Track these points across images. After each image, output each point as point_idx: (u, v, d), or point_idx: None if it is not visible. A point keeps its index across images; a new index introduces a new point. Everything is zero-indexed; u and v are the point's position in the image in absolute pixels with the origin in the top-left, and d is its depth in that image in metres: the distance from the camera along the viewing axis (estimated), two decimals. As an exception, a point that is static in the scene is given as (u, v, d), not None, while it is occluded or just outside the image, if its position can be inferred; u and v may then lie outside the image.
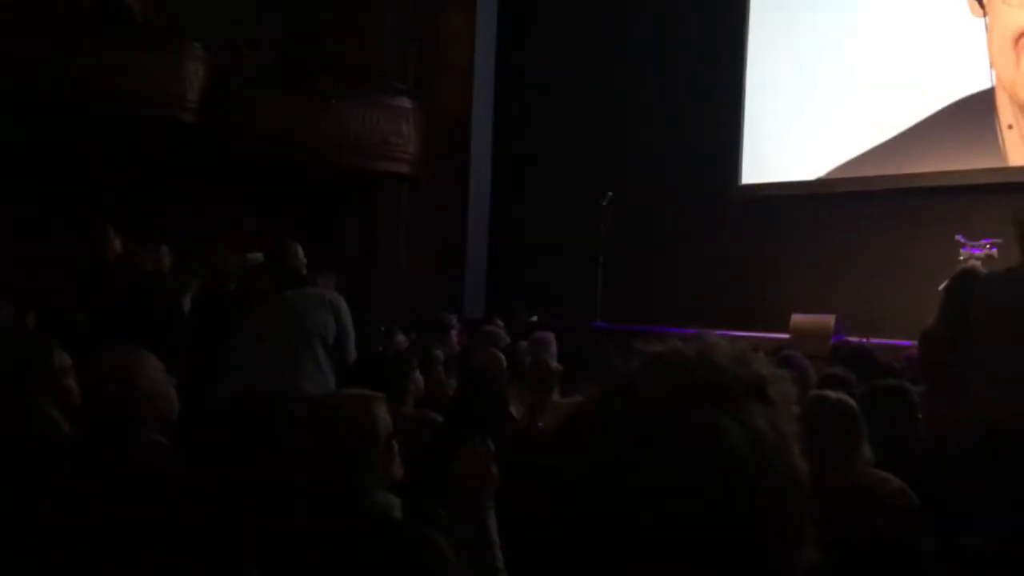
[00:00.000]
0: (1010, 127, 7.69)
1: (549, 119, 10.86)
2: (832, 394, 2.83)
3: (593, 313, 9.26)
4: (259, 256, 4.87)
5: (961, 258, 6.78)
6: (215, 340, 4.26)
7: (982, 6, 7.82)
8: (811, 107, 9.00)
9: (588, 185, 9.84)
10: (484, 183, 10.95)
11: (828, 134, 8.86)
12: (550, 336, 5.49)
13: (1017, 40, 7.48)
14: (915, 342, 4.06)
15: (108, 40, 8.16)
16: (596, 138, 10.55)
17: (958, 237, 6.96)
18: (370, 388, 2.38)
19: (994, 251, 6.54)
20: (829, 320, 7.45)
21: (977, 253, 6.73)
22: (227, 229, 8.54)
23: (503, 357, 4.74)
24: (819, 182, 8.89)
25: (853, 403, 2.76)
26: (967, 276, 3.36)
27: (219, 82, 8.98)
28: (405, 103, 10.31)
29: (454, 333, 6.48)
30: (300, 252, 4.27)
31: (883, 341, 6.88)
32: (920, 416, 3.19)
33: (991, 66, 7.78)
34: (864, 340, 6.23)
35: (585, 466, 0.79)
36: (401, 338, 5.91)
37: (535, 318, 8.79)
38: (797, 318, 7.68)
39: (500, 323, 6.86)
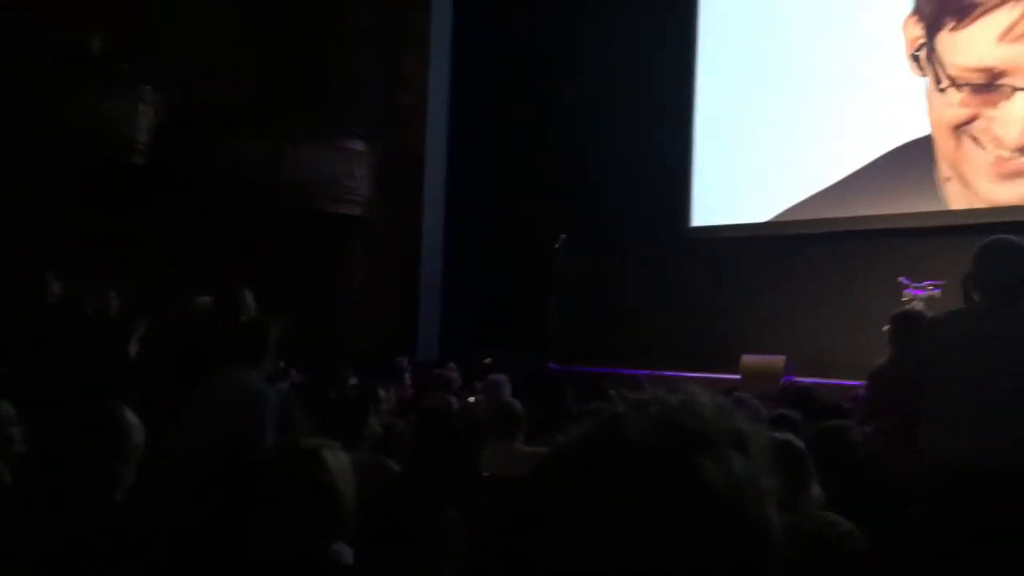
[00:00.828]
0: (948, 179, 7.94)
1: (503, 161, 10.95)
2: (780, 435, 2.86)
3: (547, 354, 9.28)
4: (207, 300, 4.79)
5: (904, 299, 6.94)
6: (166, 387, 4.18)
7: (921, 68, 8.09)
8: (760, 151, 9.19)
9: (541, 227, 9.91)
10: (437, 225, 10.98)
11: (777, 177, 9.05)
12: (504, 378, 5.49)
13: (954, 129, 7.77)
14: (863, 382, 4.13)
15: (60, 79, 8.08)
16: (549, 180, 10.66)
17: (901, 279, 7.13)
18: (324, 433, 2.36)
19: (936, 292, 6.70)
20: (778, 361, 7.56)
21: (920, 295, 6.89)
22: (178, 271, 8.43)
23: (455, 401, 4.72)
24: (768, 224, 9.07)
25: (800, 444, 2.79)
26: (911, 317, 3.45)
27: (170, 124, 8.92)
28: (359, 146, 10.33)
29: (407, 376, 6.45)
30: (250, 299, 4.21)
31: (832, 381, 6.99)
32: (867, 456, 3.24)
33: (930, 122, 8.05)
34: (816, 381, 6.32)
35: (572, 510, 0.80)
36: (354, 381, 5.86)
37: (489, 360, 8.78)
38: (747, 359, 7.78)
39: (453, 365, 6.84)
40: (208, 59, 9.53)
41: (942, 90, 7.87)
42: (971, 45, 7.71)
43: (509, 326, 9.97)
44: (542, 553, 0.80)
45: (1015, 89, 7.42)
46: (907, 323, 3.42)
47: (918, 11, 8.15)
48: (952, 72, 7.83)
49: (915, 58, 8.13)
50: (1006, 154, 7.48)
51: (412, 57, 10.86)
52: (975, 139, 7.68)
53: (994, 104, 7.55)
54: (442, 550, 2.83)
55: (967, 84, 7.71)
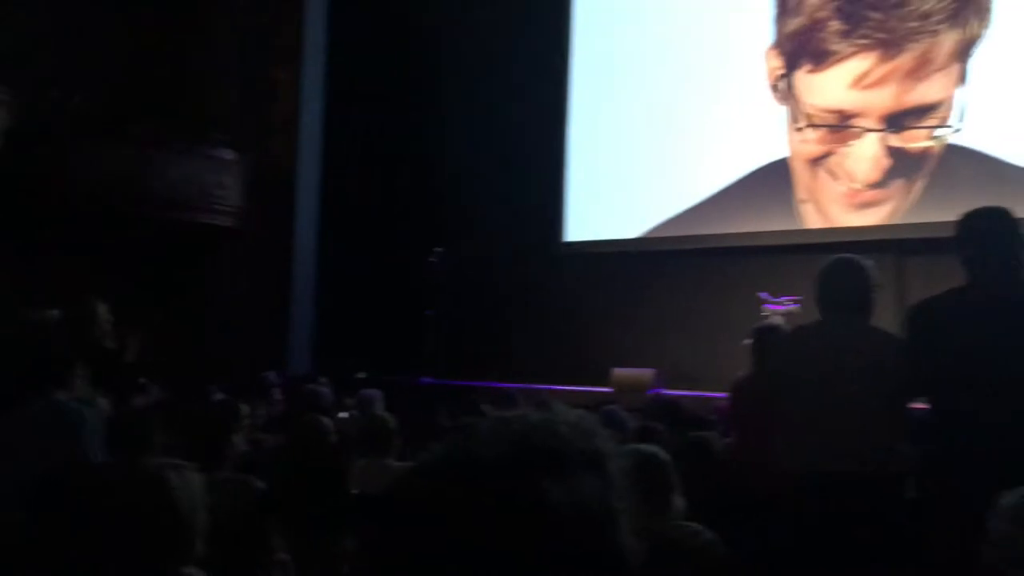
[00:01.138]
0: (803, 202, 8.35)
1: (378, 173, 10.86)
2: (644, 447, 2.93)
3: (422, 369, 9.24)
4: (56, 314, 4.50)
5: (764, 314, 7.23)
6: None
7: (781, 98, 8.48)
8: (632, 168, 9.42)
9: (417, 240, 9.88)
10: (311, 237, 10.79)
11: (648, 194, 9.29)
12: (377, 394, 5.43)
13: (811, 162, 8.20)
14: (727, 394, 4.26)
15: None
16: (425, 193, 10.63)
17: (761, 295, 7.43)
18: (185, 452, 2.26)
19: (794, 307, 7.01)
20: (647, 374, 7.75)
21: (778, 309, 7.20)
22: (33, 282, 7.99)
23: (328, 421, 4.62)
24: (638, 240, 9.29)
25: (665, 456, 2.87)
26: (768, 331, 3.60)
27: (28, 128, 8.47)
28: (228, 155, 10.06)
29: (276, 392, 6.29)
30: (104, 312, 3.99)
31: (698, 393, 7.20)
32: (730, 466, 3.36)
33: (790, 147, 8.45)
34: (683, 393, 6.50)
35: (423, 527, 0.79)
36: (219, 397, 5.67)
37: (363, 374, 8.67)
38: (617, 372, 7.94)
39: (325, 380, 6.72)
40: (71, 65, 9.11)
41: (799, 129, 8.28)
42: (825, 88, 8.15)
43: (384, 340, 9.87)
44: (399, 568, 0.79)
45: (865, 130, 7.88)
46: (764, 337, 3.57)
47: (779, 45, 8.55)
48: (808, 110, 8.25)
49: (776, 88, 8.52)
50: (857, 186, 7.93)
51: (285, 67, 10.66)
52: (830, 172, 8.11)
53: (846, 142, 8.00)
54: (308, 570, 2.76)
55: (822, 122, 8.13)
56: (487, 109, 10.29)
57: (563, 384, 8.41)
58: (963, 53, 7.55)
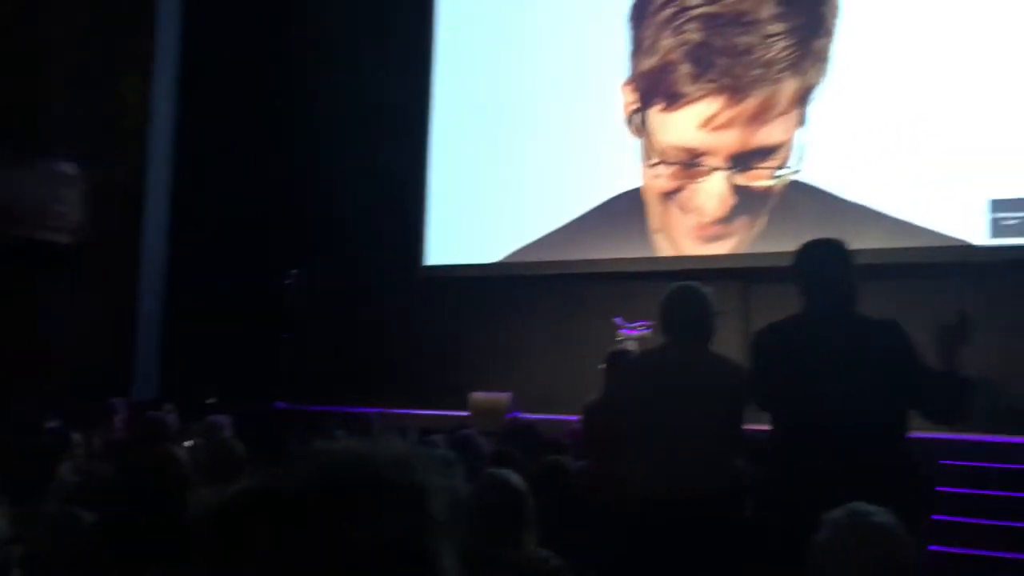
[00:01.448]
0: (656, 231, 8.62)
1: (231, 191, 10.53)
2: (498, 473, 2.92)
3: (276, 394, 8.97)
4: None
5: (619, 339, 7.40)
6: None
7: (636, 132, 8.75)
8: (493, 192, 9.49)
9: (275, 261, 9.63)
10: (160, 254, 10.34)
11: (507, 219, 9.37)
12: (225, 420, 5.21)
13: (662, 196, 8.49)
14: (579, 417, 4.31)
15: None
16: (281, 213, 10.38)
17: (616, 320, 7.59)
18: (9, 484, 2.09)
19: (648, 332, 7.19)
20: (504, 398, 7.78)
21: (633, 334, 7.38)
22: None
23: (172, 449, 4.39)
24: (497, 265, 9.35)
25: (519, 482, 2.86)
26: (617, 356, 3.68)
27: None
28: (70, 169, 9.53)
29: (118, 419, 5.95)
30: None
31: (555, 416, 7.27)
32: (583, 490, 3.38)
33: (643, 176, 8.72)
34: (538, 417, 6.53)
35: (230, 559, 0.76)
36: (53, 425, 5.31)
37: (213, 399, 8.34)
38: (475, 396, 7.94)
39: (170, 407, 6.41)
40: None
41: (652, 165, 8.57)
42: (676, 127, 8.48)
43: (237, 364, 9.54)
44: None
45: (712, 168, 8.22)
46: (614, 362, 3.64)
47: (634, 81, 8.83)
48: (660, 146, 8.56)
49: (630, 121, 8.79)
50: (706, 220, 8.26)
51: (133, 75, 10.21)
52: (680, 206, 8.42)
53: (695, 179, 8.34)
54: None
55: (673, 159, 8.44)
56: (348, 129, 10.17)
57: (421, 408, 8.35)
58: (802, 98, 8.00)
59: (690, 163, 8.33)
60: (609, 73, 8.97)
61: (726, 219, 8.21)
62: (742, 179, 8.13)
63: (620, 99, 8.89)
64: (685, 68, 8.47)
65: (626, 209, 8.78)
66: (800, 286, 2.82)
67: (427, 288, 9.67)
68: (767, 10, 8.12)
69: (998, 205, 7.30)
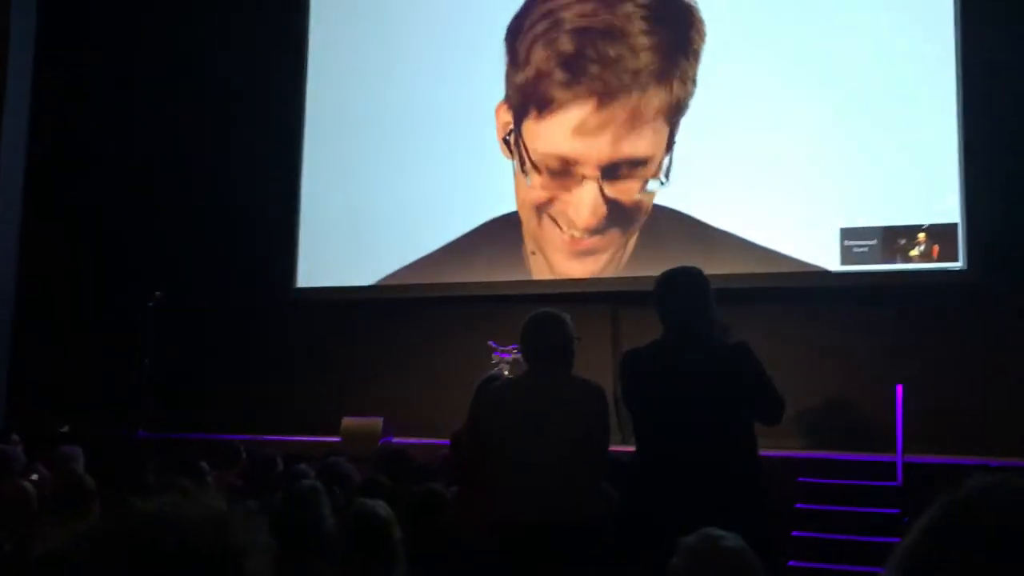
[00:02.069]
0: (533, 253, 8.72)
1: (88, 209, 10.07)
2: (370, 503, 2.87)
3: (137, 422, 8.59)
4: None
5: (493, 362, 7.42)
6: None
7: (510, 150, 8.85)
8: (366, 215, 9.38)
9: (135, 282, 9.24)
10: (6, 275, 9.77)
11: (382, 242, 9.27)
12: (77, 451, 4.95)
13: (536, 209, 8.61)
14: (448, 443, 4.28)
15: None
16: (144, 234, 9.98)
17: (490, 343, 7.61)
18: None
19: (520, 355, 7.23)
20: (377, 423, 7.67)
21: (506, 358, 7.42)
22: None
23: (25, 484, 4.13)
24: (372, 288, 9.23)
25: (386, 512, 2.82)
26: (486, 382, 3.68)
27: None
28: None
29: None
30: None
31: (429, 441, 7.22)
32: (453, 517, 3.35)
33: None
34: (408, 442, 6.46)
35: None
36: None
37: (66, 428, 7.94)
38: (347, 421, 7.80)
39: (17, 438, 6.04)
40: None
41: (526, 173, 8.68)
42: (550, 135, 8.61)
43: (93, 391, 9.09)
44: None
45: (584, 177, 8.39)
46: (480, 388, 3.65)
47: (509, 99, 8.93)
48: (535, 157, 8.67)
49: (506, 142, 8.87)
50: (577, 234, 8.41)
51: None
52: (553, 219, 8.53)
53: (568, 189, 8.47)
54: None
55: (547, 169, 8.57)
56: (215, 144, 9.89)
57: (293, 435, 8.15)
58: (670, 114, 8.27)
59: (563, 171, 8.47)
60: (486, 96, 9.03)
61: (597, 230, 8.36)
62: (612, 190, 8.32)
63: (496, 121, 8.96)
64: (558, 75, 8.65)
65: (503, 232, 8.84)
66: (660, 313, 2.91)
67: (299, 311, 9.45)
68: (636, 26, 8.40)
69: (848, 233, 7.71)
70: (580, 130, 8.45)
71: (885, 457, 6.40)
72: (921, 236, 7.51)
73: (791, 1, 8.14)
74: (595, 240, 8.40)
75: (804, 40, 8.02)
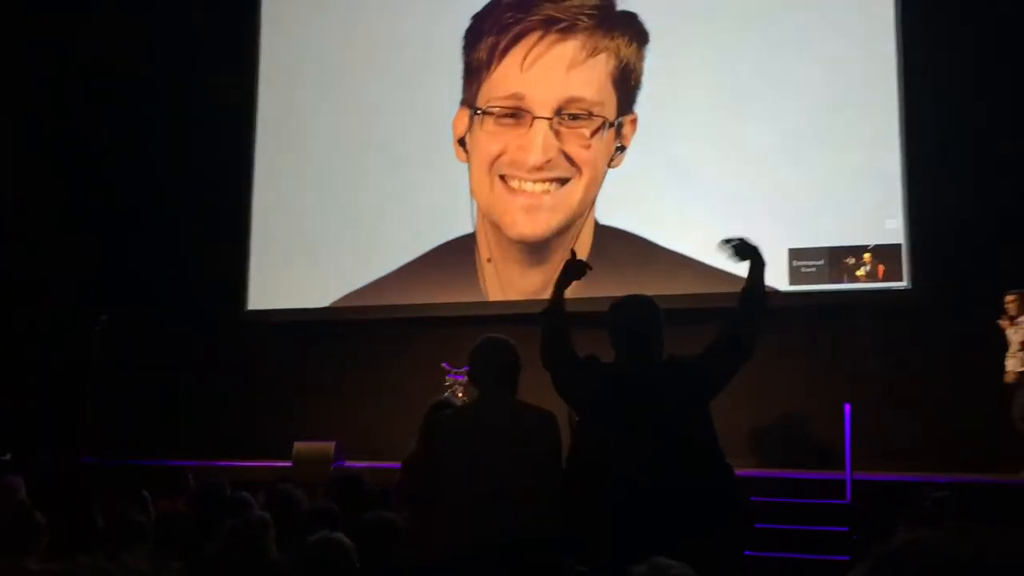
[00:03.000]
0: (489, 260, 8.72)
1: (33, 232, 9.85)
2: (324, 534, 2.84)
3: (82, 448, 8.39)
4: None
5: (447, 383, 7.39)
6: None
7: (466, 151, 8.88)
8: (319, 236, 9.33)
9: (80, 305, 9.06)
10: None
11: (334, 264, 9.22)
12: (18, 481, 4.80)
13: (490, 166, 8.64)
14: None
15: None
16: (87, 256, 9.80)
17: (444, 365, 7.59)
18: None
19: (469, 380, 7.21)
20: (329, 447, 7.58)
21: (460, 379, 7.40)
22: None
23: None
24: (324, 310, 9.17)
25: (339, 538, 2.80)
26: (437, 407, 3.67)
27: None
28: None
29: None
30: None
31: (383, 465, 7.16)
32: (407, 543, 3.32)
33: (472, 203, 8.81)
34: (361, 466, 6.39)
35: None
36: None
37: (8, 456, 7.74)
38: (299, 446, 7.70)
39: (-44, 467, 5.87)
40: None
41: (478, 113, 8.78)
42: (504, 78, 8.74)
43: (36, 416, 8.87)
44: None
45: (535, 117, 8.52)
46: (431, 413, 3.63)
47: (466, 101, 8.96)
48: (489, 103, 8.78)
49: (461, 143, 8.90)
50: (528, 184, 8.50)
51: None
52: (504, 180, 8.61)
53: (519, 128, 8.56)
54: None
55: (499, 111, 8.68)
56: (163, 163, 9.78)
57: (244, 460, 8.02)
58: (617, 76, 8.44)
59: (514, 112, 8.61)
60: (440, 119, 9.04)
61: (546, 179, 8.42)
62: (562, 132, 8.44)
63: (452, 130, 8.97)
64: (508, 15, 8.87)
65: (456, 253, 8.84)
66: (611, 339, 2.94)
67: (250, 333, 9.34)
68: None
69: (795, 253, 7.84)
70: (525, 61, 8.65)
71: (834, 475, 6.48)
72: (867, 256, 7.66)
73: (741, 27, 8.28)
74: (541, 195, 8.46)
75: (753, 65, 8.17)
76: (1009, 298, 7.05)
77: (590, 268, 3.12)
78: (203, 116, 9.73)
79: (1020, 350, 6.96)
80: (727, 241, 3.09)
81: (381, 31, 9.46)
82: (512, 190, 8.60)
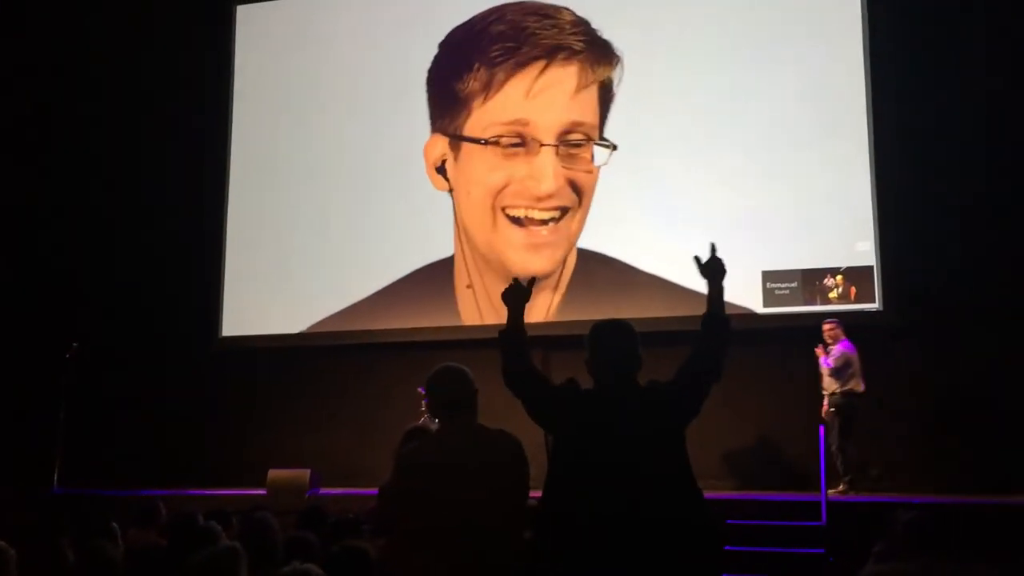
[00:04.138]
0: (468, 287, 8.72)
1: (4, 255, 9.78)
2: (295, 566, 2.82)
3: (53, 477, 8.28)
4: None
5: (423, 409, 7.36)
6: None
7: (446, 179, 8.89)
8: (292, 265, 9.29)
9: (51, 333, 8.97)
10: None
11: (310, 291, 9.18)
12: (-13, 513, 4.72)
13: (494, 199, 8.64)
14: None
15: None
16: (62, 282, 9.72)
17: (420, 390, 7.56)
18: None
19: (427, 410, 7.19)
20: (304, 474, 7.52)
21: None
22: None
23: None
24: (299, 336, 9.12)
25: (315, 570, 2.77)
26: (410, 434, 3.65)
27: None
28: None
29: None
30: None
31: (359, 492, 7.12)
32: (380, 572, 3.30)
33: (455, 230, 8.81)
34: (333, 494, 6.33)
35: None
36: None
37: (-24, 487, 7.62)
38: (273, 473, 7.63)
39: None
40: None
41: (483, 144, 8.73)
42: (505, 104, 8.74)
43: (5, 447, 8.76)
44: None
45: (541, 145, 8.50)
46: (405, 440, 3.62)
47: (439, 128, 8.98)
48: (495, 129, 8.73)
49: (439, 169, 8.91)
50: (537, 213, 8.46)
51: None
52: (509, 217, 8.56)
53: (527, 163, 8.53)
54: None
55: (504, 140, 8.64)
56: (137, 190, 9.75)
57: (218, 488, 7.94)
58: (601, 90, 8.53)
59: (520, 142, 8.60)
60: (414, 144, 9.06)
61: (554, 208, 8.42)
62: (568, 157, 8.48)
63: (425, 159, 8.98)
64: (497, 51, 8.87)
65: (432, 278, 8.84)
66: (589, 364, 2.94)
67: (225, 360, 9.26)
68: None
69: (769, 276, 7.91)
70: (536, 92, 8.66)
71: (809, 496, 6.50)
72: (839, 278, 7.74)
73: (714, 54, 8.38)
74: (547, 234, 8.46)
75: (726, 92, 8.27)
76: (827, 326, 7.21)
77: (530, 287, 3.11)
78: (178, 144, 9.71)
79: (831, 375, 7.12)
80: (698, 259, 3.14)
81: (355, 60, 9.50)
82: (514, 223, 8.58)
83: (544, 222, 8.49)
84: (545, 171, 8.50)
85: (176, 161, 9.69)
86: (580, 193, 8.47)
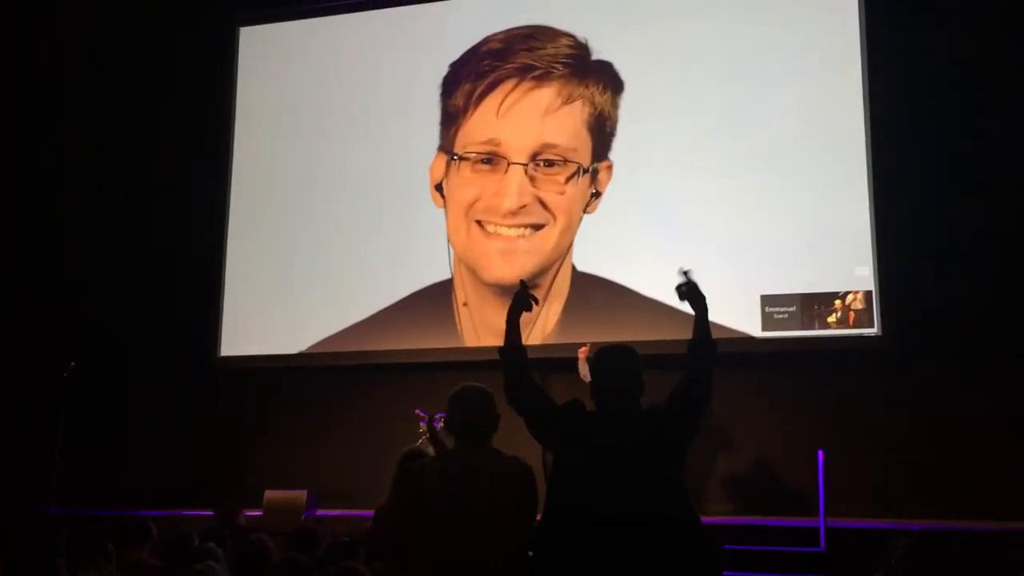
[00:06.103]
0: (465, 304, 8.73)
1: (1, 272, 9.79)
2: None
3: (48, 496, 8.25)
4: None
5: (421, 430, 7.35)
6: None
7: (443, 196, 8.93)
8: (293, 283, 9.30)
9: (46, 354, 8.95)
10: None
11: (309, 311, 9.18)
12: (-20, 532, 4.70)
13: (467, 212, 8.68)
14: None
15: None
16: (60, 299, 9.72)
17: (418, 411, 7.54)
18: None
19: (446, 428, 7.16)
20: (300, 495, 7.49)
21: (435, 426, 7.33)
22: None
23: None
24: (298, 356, 9.11)
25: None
26: (409, 456, 3.64)
27: None
28: None
29: None
30: None
31: (356, 513, 7.09)
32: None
33: (449, 249, 8.83)
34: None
35: None
36: None
37: (-29, 506, 7.58)
38: (270, 494, 7.60)
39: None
40: None
41: (453, 158, 8.84)
42: (480, 125, 8.84)
43: (3, 464, 8.72)
44: None
45: (510, 164, 8.54)
46: (402, 462, 3.61)
47: (443, 147, 9.03)
48: (465, 149, 8.84)
49: (438, 187, 8.94)
50: (503, 229, 8.54)
51: None
52: (480, 225, 8.65)
53: (495, 180, 8.62)
54: None
55: (475, 157, 8.74)
56: (136, 208, 9.76)
57: (213, 509, 7.88)
58: (592, 123, 8.55)
59: (489, 158, 8.69)
60: (416, 164, 9.09)
61: (520, 224, 8.46)
62: (537, 178, 8.51)
63: (429, 176, 9.01)
64: (485, 63, 8.98)
65: (431, 300, 8.84)
66: (591, 389, 2.96)
67: (222, 380, 9.25)
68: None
69: (768, 300, 7.91)
70: (501, 108, 8.76)
71: (808, 522, 6.47)
72: (838, 303, 7.74)
73: (714, 78, 8.42)
74: (517, 239, 8.50)
75: (726, 115, 8.31)
76: (582, 349, 7.30)
77: (536, 301, 3.15)
78: (178, 165, 9.75)
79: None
80: (679, 288, 3.17)
81: (356, 78, 9.55)
82: (488, 234, 8.65)
83: (513, 238, 8.55)
84: (510, 188, 8.59)
85: (176, 181, 9.71)
86: (552, 212, 8.51)
